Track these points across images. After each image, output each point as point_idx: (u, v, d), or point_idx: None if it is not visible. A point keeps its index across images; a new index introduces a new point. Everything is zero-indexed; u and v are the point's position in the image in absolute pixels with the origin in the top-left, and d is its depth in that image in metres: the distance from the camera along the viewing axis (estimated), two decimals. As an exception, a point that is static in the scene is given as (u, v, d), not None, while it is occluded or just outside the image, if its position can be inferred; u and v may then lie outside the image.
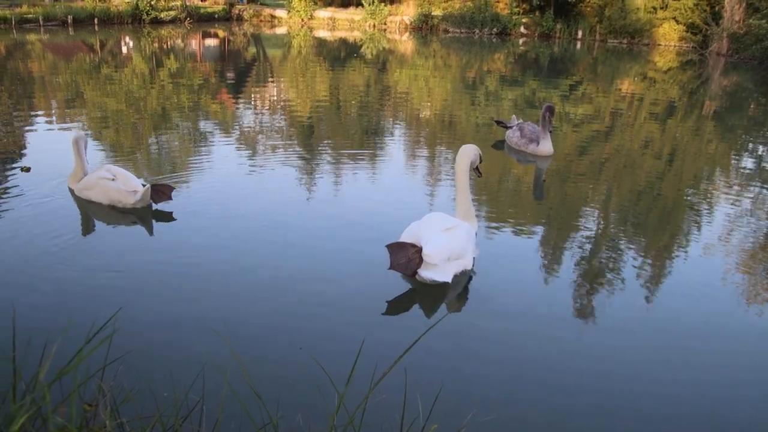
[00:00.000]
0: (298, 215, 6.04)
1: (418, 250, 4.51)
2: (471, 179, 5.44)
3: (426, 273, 4.47)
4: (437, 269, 4.48)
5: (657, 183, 7.86)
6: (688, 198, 7.35)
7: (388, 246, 4.59)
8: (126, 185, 5.95)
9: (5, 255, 4.84)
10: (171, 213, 5.90)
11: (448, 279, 4.49)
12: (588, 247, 5.58)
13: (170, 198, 6.02)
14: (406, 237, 4.74)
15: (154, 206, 5.98)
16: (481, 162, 5.53)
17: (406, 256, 4.49)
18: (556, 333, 4.10)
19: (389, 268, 4.51)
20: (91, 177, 6.07)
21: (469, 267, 4.83)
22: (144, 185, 5.89)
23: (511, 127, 9.04)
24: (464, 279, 4.82)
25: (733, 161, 9.63)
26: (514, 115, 9.47)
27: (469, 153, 5.31)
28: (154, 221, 5.74)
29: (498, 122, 9.53)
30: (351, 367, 2.16)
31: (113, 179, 5.99)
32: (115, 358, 2.43)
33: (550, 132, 8.42)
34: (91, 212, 5.86)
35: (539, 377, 3.61)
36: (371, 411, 2.98)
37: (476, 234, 5.28)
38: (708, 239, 5.89)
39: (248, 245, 5.28)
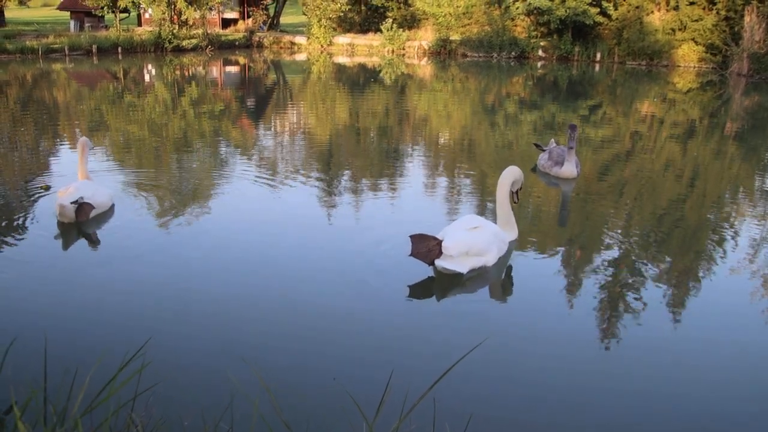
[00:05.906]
0: (324, 240, 6.03)
1: (439, 242, 4.87)
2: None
3: (442, 263, 4.85)
4: (454, 261, 4.85)
5: (679, 205, 7.76)
6: (712, 220, 7.24)
7: (411, 236, 4.95)
8: (60, 200, 5.88)
9: (34, 282, 4.89)
10: (196, 240, 5.93)
11: (463, 270, 4.88)
12: (611, 270, 5.51)
13: (88, 217, 5.89)
14: (439, 234, 5.04)
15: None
16: (521, 188, 5.82)
17: (426, 247, 4.88)
18: (585, 358, 4.03)
19: (409, 255, 4.92)
20: None
21: (490, 264, 5.13)
22: (76, 202, 5.81)
23: (545, 150, 9.03)
24: (483, 276, 4.91)
25: (756, 182, 9.50)
26: (552, 139, 9.41)
27: (513, 175, 5.63)
28: (181, 247, 5.76)
29: (536, 145, 9.55)
30: (380, 395, 2.14)
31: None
32: (146, 389, 2.42)
33: (572, 149, 8.31)
34: (114, 235, 5.89)
35: (570, 404, 3.53)
36: (400, 441, 2.94)
37: (514, 242, 5.68)
38: (733, 262, 5.79)
39: (274, 270, 5.28)
